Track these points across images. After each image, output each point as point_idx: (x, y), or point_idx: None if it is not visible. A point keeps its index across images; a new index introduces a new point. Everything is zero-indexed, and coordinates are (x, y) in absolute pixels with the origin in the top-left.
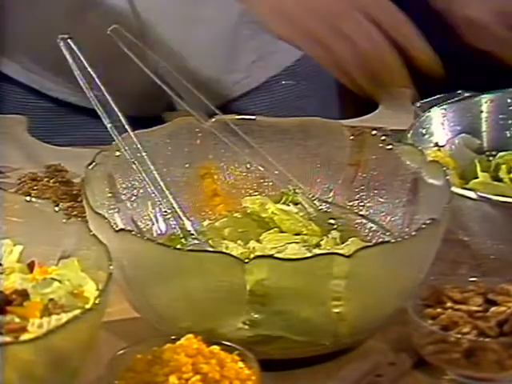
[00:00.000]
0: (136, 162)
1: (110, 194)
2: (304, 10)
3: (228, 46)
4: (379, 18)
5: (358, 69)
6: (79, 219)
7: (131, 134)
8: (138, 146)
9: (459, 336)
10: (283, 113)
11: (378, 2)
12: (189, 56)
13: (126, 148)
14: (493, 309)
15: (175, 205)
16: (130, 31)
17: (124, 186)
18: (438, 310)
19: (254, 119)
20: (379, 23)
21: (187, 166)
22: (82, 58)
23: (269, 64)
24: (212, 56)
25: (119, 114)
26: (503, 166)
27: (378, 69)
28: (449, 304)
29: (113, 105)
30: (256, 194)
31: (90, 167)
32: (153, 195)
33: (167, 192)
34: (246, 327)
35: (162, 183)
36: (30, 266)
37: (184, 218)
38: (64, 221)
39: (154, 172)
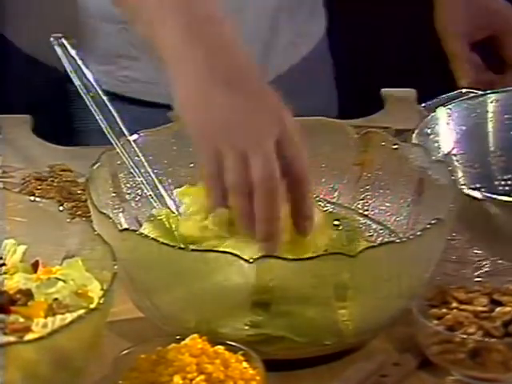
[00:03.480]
0: (134, 166)
1: (114, 194)
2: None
3: (269, 29)
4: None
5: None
6: (83, 219)
7: (128, 137)
8: (136, 149)
9: (464, 336)
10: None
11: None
12: None
13: (124, 152)
14: (498, 309)
15: (176, 208)
16: None
17: (128, 185)
18: (443, 310)
19: None
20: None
21: (192, 165)
22: (76, 58)
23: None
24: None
25: (115, 115)
26: None
27: None
28: (454, 304)
29: (109, 106)
30: None
31: (95, 167)
32: (152, 201)
33: (165, 194)
34: (251, 327)
35: (161, 188)
36: (34, 266)
37: None
38: (68, 220)
39: (152, 175)
